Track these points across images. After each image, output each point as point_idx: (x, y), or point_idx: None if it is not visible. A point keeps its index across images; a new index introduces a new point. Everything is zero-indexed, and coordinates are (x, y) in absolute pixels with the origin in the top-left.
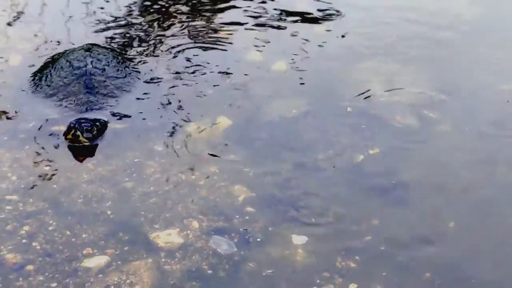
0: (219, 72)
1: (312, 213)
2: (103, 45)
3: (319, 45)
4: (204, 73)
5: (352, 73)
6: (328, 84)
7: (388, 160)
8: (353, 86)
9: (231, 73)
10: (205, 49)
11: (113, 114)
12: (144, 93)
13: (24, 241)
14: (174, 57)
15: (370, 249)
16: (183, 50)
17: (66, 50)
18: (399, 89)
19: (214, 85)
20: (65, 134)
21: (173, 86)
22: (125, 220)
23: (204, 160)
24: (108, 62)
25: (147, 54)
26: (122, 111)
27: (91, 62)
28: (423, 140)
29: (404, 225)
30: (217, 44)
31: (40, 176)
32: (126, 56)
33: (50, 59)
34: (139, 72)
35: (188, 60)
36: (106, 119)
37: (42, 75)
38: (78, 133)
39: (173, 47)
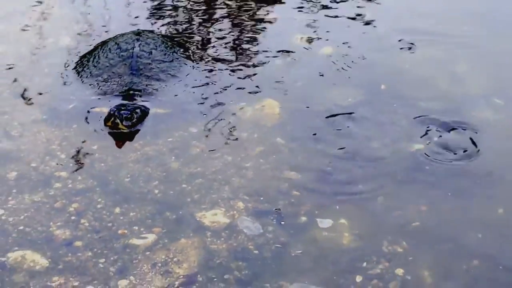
0: (266, 56)
1: (360, 198)
2: (152, 31)
3: (369, 30)
4: (250, 57)
5: (405, 60)
6: (380, 72)
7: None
8: (406, 74)
9: (278, 57)
10: (251, 32)
11: (156, 96)
12: (189, 76)
13: (73, 217)
14: (219, 40)
15: (417, 235)
16: (228, 33)
17: (117, 34)
18: (458, 77)
19: (260, 68)
20: (105, 121)
21: (218, 69)
22: (172, 200)
23: (250, 142)
24: (156, 46)
25: (192, 37)
26: (166, 92)
27: (139, 45)
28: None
29: (453, 211)
30: (262, 28)
31: (88, 154)
32: (174, 41)
33: (100, 43)
34: (185, 56)
35: (233, 43)
36: (147, 106)
37: (91, 56)
38: (118, 121)
39: (219, 31)
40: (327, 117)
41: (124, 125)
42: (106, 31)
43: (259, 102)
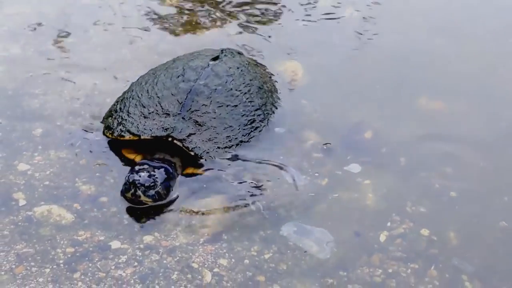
0: (287, 17)
1: (382, 159)
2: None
3: None
4: (271, 18)
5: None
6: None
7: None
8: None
9: (302, 19)
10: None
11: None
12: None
13: (97, 174)
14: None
15: (441, 196)
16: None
17: (195, 52)
18: None
19: (281, 30)
20: (125, 191)
21: (240, 32)
22: None
23: None
24: (225, 81)
25: None
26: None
27: (207, 77)
28: None
29: (479, 174)
30: None
31: None
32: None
33: (172, 60)
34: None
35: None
36: (170, 168)
37: (153, 76)
38: (139, 192)
39: None
40: (353, 80)
41: (148, 197)
42: None
43: (282, 63)
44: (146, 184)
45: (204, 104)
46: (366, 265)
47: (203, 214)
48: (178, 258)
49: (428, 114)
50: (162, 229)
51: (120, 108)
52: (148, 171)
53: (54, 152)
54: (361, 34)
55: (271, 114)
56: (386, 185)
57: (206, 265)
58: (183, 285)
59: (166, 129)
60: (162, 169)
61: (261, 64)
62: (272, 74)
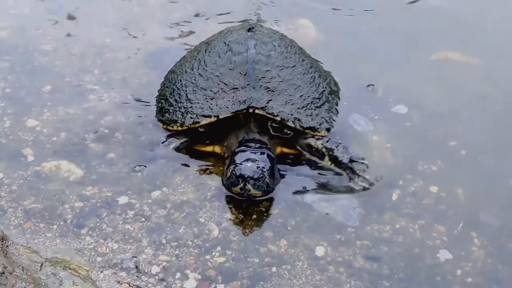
0: None
1: (396, 116)
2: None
3: None
4: None
5: None
6: None
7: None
8: None
9: None
10: None
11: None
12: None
13: (106, 131)
14: None
15: (453, 154)
16: None
17: (223, 30)
18: None
19: None
20: (231, 185)
21: None
22: None
23: None
24: (274, 46)
25: None
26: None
27: (254, 45)
28: None
29: (490, 132)
30: None
31: (120, 70)
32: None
33: (204, 42)
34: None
35: None
36: (270, 149)
37: (195, 60)
38: (249, 186)
39: None
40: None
41: (257, 190)
42: None
43: (294, 22)
44: (255, 177)
45: (267, 70)
46: (376, 222)
47: (210, 172)
48: (185, 213)
49: (442, 69)
50: (170, 185)
51: (176, 100)
52: (253, 161)
53: (62, 108)
54: None
55: (321, 70)
56: (398, 143)
57: (212, 219)
58: (190, 240)
59: (243, 102)
60: (265, 155)
61: None
62: None
